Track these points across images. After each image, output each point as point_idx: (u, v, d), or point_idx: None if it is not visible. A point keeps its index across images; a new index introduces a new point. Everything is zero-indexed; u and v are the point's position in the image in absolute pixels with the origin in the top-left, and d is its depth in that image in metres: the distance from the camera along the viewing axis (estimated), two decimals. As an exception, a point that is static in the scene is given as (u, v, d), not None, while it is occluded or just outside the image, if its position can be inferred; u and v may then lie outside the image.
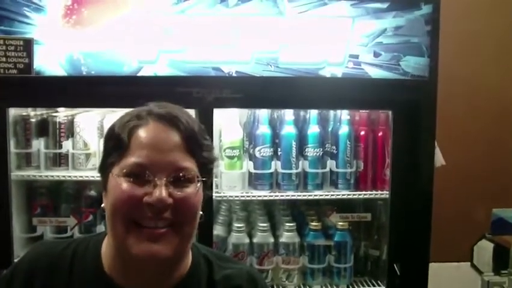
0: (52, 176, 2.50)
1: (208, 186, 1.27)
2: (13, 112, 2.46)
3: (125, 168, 1.16)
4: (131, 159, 1.16)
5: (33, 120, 2.55)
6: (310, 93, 2.34)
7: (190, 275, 1.29)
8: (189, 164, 1.19)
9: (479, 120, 3.13)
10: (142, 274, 1.22)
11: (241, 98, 2.31)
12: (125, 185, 1.15)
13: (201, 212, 1.24)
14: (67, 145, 2.53)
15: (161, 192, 1.13)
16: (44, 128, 2.57)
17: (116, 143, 1.20)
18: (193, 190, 1.19)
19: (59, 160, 2.57)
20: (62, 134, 2.55)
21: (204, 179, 1.21)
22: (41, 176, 2.50)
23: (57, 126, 2.56)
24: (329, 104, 2.47)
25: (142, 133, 1.18)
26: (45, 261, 1.28)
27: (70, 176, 2.50)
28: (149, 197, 1.14)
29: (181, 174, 1.17)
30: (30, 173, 2.50)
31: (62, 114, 2.60)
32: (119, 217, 1.16)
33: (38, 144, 2.52)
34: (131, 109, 1.26)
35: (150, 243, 1.14)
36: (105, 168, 1.23)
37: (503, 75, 3.16)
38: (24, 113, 2.55)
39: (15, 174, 2.44)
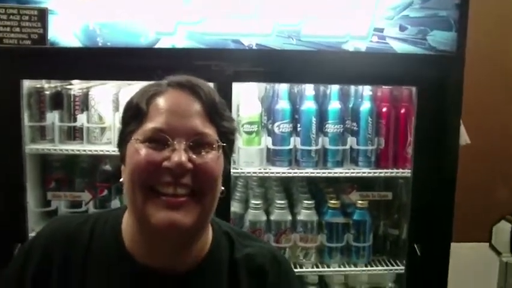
0: (67, 150, 2.45)
1: (228, 158, 1.24)
2: (27, 84, 2.41)
3: (144, 134, 1.13)
4: (150, 125, 1.13)
5: (47, 92, 2.50)
6: (332, 68, 2.27)
7: (212, 252, 1.25)
8: (210, 130, 1.16)
9: (506, 100, 3.04)
10: (162, 248, 1.18)
11: (262, 72, 2.25)
12: (143, 150, 1.12)
13: (222, 188, 1.21)
14: (81, 118, 2.48)
15: (180, 156, 1.10)
16: (58, 100, 2.51)
17: (134, 112, 1.18)
18: (214, 156, 1.15)
19: (73, 134, 2.51)
20: (77, 107, 2.50)
21: (224, 144, 1.18)
22: (55, 149, 2.45)
23: (72, 99, 2.50)
24: (352, 80, 2.39)
25: (161, 100, 1.16)
26: (63, 236, 1.25)
27: (84, 150, 2.45)
28: (168, 161, 1.10)
29: (201, 138, 1.14)
30: (44, 147, 2.45)
31: (76, 87, 2.55)
32: (138, 184, 1.12)
33: (53, 118, 2.47)
34: (147, 82, 1.23)
35: (170, 211, 1.11)
36: (123, 138, 1.20)
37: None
38: (38, 85, 2.49)
39: (30, 147, 2.40)
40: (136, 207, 1.15)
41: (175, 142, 1.11)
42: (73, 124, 2.49)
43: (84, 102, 2.51)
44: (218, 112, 1.19)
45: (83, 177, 2.59)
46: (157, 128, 1.13)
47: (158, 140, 1.12)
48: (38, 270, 1.22)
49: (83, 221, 1.28)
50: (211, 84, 2.11)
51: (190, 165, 1.11)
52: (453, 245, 2.40)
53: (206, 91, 1.18)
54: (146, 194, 1.12)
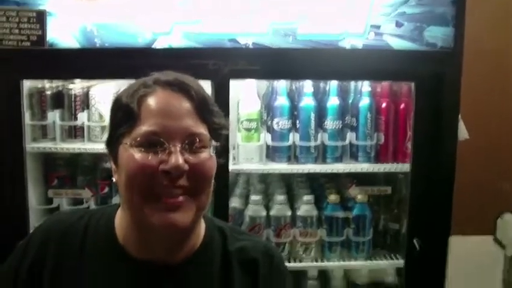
0: (68, 149, 2.49)
1: (219, 153, 1.24)
2: (28, 84, 2.44)
3: (138, 137, 1.14)
4: (143, 128, 1.13)
5: (48, 92, 2.53)
6: (329, 65, 2.27)
7: (204, 246, 1.28)
8: (202, 130, 1.17)
9: (506, 94, 3.02)
10: (158, 244, 1.20)
11: (258, 70, 2.25)
12: (139, 155, 1.13)
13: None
14: (82, 117, 2.51)
15: (177, 158, 1.11)
16: (59, 100, 2.55)
17: (125, 114, 1.17)
18: (208, 155, 1.17)
19: (74, 132, 2.55)
20: (78, 106, 2.53)
21: (217, 143, 1.20)
22: (56, 148, 2.48)
23: (73, 99, 2.54)
24: (350, 76, 2.40)
25: (152, 101, 1.16)
26: (58, 232, 1.27)
27: (85, 149, 2.49)
28: (165, 164, 1.11)
29: (195, 139, 1.15)
30: (46, 145, 2.48)
31: (77, 86, 2.56)
32: (136, 189, 1.14)
33: (54, 116, 2.50)
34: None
35: (169, 213, 1.13)
36: (114, 140, 1.19)
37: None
38: (39, 85, 2.52)
39: (31, 146, 2.44)
40: (134, 208, 1.17)
41: (170, 145, 1.12)
42: (73, 123, 2.53)
43: (84, 101, 2.54)
44: (208, 109, 1.20)
45: (85, 174, 2.63)
46: (151, 131, 1.13)
47: (152, 143, 1.13)
48: (33, 264, 1.24)
49: (79, 217, 1.31)
50: (208, 83, 2.17)
51: (186, 166, 1.12)
52: (457, 238, 2.40)
53: (196, 89, 1.19)
54: (145, 197, 1.13)
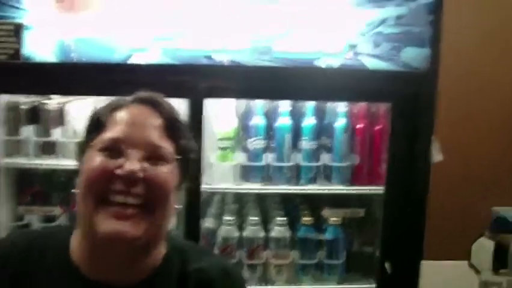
0: (41, 165, 2.47)
1: (186, 176, 1.24)
2: (6, 99, 2.43)
3: (101, 143, 1.15)
4: (107, 135, 1.15)
5: (23, 107, 2.52)
6: (305, 84, 2.28)
7: (161, 267, 1.24)
8: (166, 145, 1.18)
9: (486, 118, 3.03)
10: (109, 260, 1.17)
11: (234, 88, 2.26)
12: (98, 159, 1.13)
13: (178, 206, 1.20)
14: (56, 133, 2.49)
15: (132, 164, 1.11)
16: (34, 115, 2.54)
17: (94, 124, 1.20)
18: (168, 170, 1.17)
19: (49, 148, 2.52)
20: (53, 122, 2.52)
21: (180, 160, 1.20)
22: (30, 164, 2.46)
23: (48, 114, 2.52)
24: (325, 96, 2.40)
25: (122, 112, 1.19)
26: (15, 251, 1.24)
27: (59, 165, 2.47)
28: (120, 169, 1.11)
29: (157, 151, 1.16)
30: (20, 161, 2.46)
31: (53, 102, 2.56)
32: (89, 192, 1.13)
33: (28, 132, 2.49)
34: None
35: (118, 221, 1.11)
36: (82, 150, 1.20)
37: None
38: (14, 100, 2.51)
39: (6, 161, 2.42)
40: (85, 217, 1.14)
41: (128, 151, 1.13)
42: (48, 139, 2.51)
43: (60, 118, 2.53)
44: (178, 129, 1.21)
45: (59, 191, 2.60)
46: (114, 137, 1.14)
47: (113, 149, 1.14)
48: None
49: (37, 236, 1.30)
50: (184, 102, 2.17)
51: (141, 174, 1.12)
52: (431, 262, 2.38)
53: (167, 108, 1.21)
54: (97, 203, 1.12)
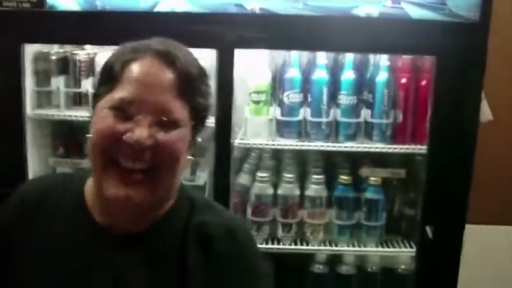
0: (70, 116, 2.42)
1: (200, 133, 1.22)
2: (34, 49, 2.37)
3: (112, 101, 1.12)
4: (119, 94, 1.12)
5: (53, 57, 2.45)
6: (342, 35, 2.13)
7: (168, 215, 1.22)
8: (179, 107, 1.13)
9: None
10: (116, 216, 1.18)
11: (265, 38, 2.13)
12: (108, 118, 1.11)
13: (191, 157, 1.20)
14: (86, 84, 2.43)
15: (141, 132, 1.08)
16: (64, 66, 2.47)
17: (108, 75, 1.16)
18: (179, 134, 1.13)
19: (79, 99, 2.47)
20: (82, 73, 2.45)
21: (193, 123, 1.17)
22: (59, 115, 2.42)
23: (78, 65, 2.45)
24: (363, 47, 2.22)
25: (135, 67, 1.13)
26: (35, 194, 1.28)
27: (88, 116, 2.40)
28: (129, 134, 1.08)
29: (168, 117, 1.11)
30: (49, 112, 2.42)
31: (83, 52, 2.49)
32: (98, 152, 1.12)
33: (58, 83, 2.43)
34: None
35: (124, 187, 1.10)
36: (94, 100, 1.18)
37: None
38: (45, 50, 2.45)
39: (35, 112, 2.38)
40: (96, 174, 1.14)
41: (139, 116, 1.09)
42: (77, 90, 2.45)
43: (90, 68, 2.45)
44: (193, 86, 1.16)
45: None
46: (125, 99, 1.10)
47: (124, 110, 1.10)
48: (7, 221, 1.25)
49: (57, 179, 1.34)
50: (213, 52, 2.06)
51: (149, 142, 1.09)
52: (477, 227, 2.24)
53: (183, 62, 1.14)
54: (106, 163, 1.11)
